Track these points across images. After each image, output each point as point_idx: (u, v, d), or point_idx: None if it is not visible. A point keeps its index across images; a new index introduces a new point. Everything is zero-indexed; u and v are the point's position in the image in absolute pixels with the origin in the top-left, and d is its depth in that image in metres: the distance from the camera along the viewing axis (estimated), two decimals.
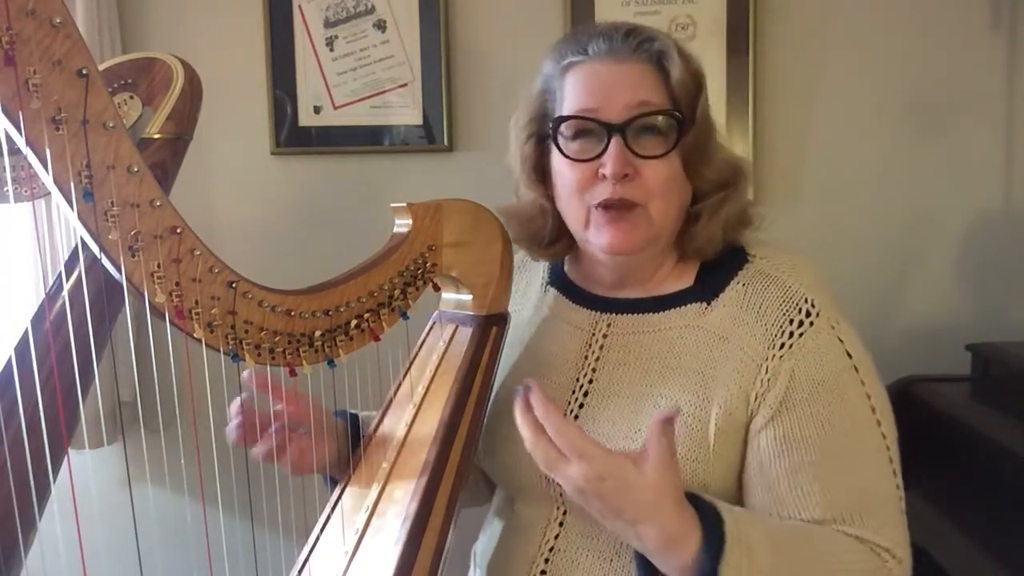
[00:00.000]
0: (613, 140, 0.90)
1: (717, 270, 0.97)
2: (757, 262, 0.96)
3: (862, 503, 0.87)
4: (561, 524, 0.97)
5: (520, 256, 1.15)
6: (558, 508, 0.98)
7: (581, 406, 0.97)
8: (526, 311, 1.11)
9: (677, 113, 0.91)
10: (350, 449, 1.03)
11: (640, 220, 0.92)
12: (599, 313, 1.02)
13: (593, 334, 1.01)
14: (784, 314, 0.90)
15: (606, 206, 0.92)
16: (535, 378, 1.01)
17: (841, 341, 0.90)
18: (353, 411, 1.08)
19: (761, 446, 0.89)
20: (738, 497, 0.92)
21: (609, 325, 1.00)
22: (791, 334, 0.89)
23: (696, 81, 0.94)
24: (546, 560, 0.96)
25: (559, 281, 1.08)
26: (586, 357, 1.00)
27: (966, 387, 1.62)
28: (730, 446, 0.90)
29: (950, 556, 1.18)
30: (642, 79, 0.92)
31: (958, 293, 1.78)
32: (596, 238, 0.94)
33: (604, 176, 0.91)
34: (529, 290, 1.13)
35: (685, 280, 0.98)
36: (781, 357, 0.89)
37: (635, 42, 0.92)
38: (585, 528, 0.95)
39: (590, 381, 0.98)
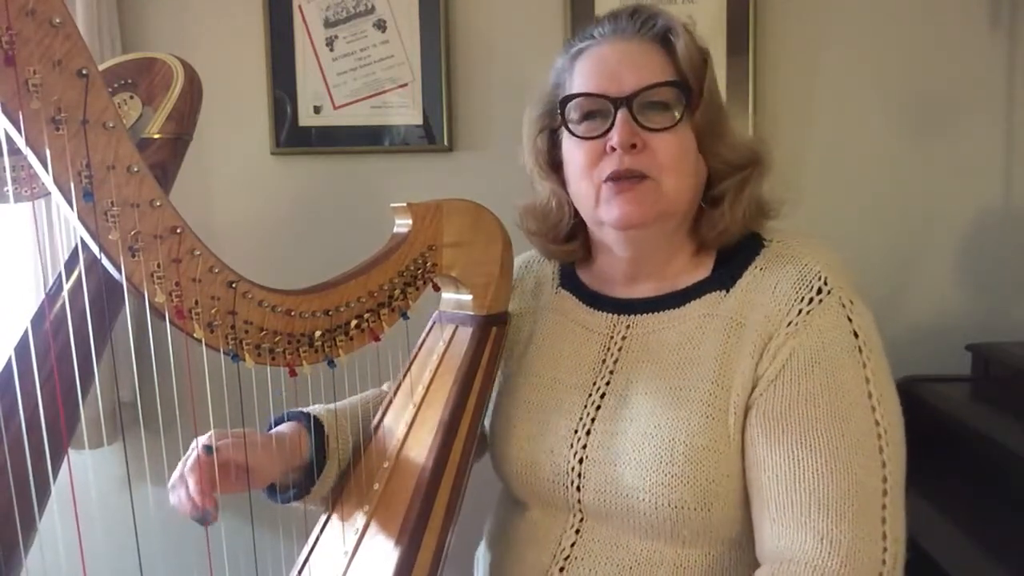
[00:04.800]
0: (619, 113, 0.89)
1: (734, 258, 0.95)
2: (774, 246, 0.95)
3: (830, 495, 0.81)
4: (578, 531, 0.94)
5: (529, 254, 1.14)
6: (575, 515, 0.95)
7: (598, 408, 0.95)
8: (536, 311, 1.08)
9: (684, 85, 0.91)
10: (313, 453, 0.97)
11: (649, 192, 0.90)
12: (617, 316, 1.00)
13: (612, 337, 0.99)
14: (797, 292, 0.88)
15: (615, 178, 0.90)
16: (549, 381, 1.00)
17: (850, 320, 0.87)
18: (311, 410, 1.01)
19: (748, 425, 0.87)
20: None
21: (628, 327, 0.98)
22: (800, 311, 0.87)
23: (702, 56, 0.93)
24: (561, 569, 0.93)
25: (572, 284, 1.06)
26: (604, 361, 0.98)
27: (966, 387, 1.62)
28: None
29: (950, 555, 1.18)
30: (647, 57, 0.92)
31: (958, 293, 1.78)
32: (607, 213, 0.92)
33: (612, 148, 0.89)
34: (539, 289, 1.10)
35: (702, 271, 0.96)
36: (788, 334, 0.87)
37: (639, 21, 0.93)
38: (604, 535, 0.92)
39: (607, 383, 0.96)
